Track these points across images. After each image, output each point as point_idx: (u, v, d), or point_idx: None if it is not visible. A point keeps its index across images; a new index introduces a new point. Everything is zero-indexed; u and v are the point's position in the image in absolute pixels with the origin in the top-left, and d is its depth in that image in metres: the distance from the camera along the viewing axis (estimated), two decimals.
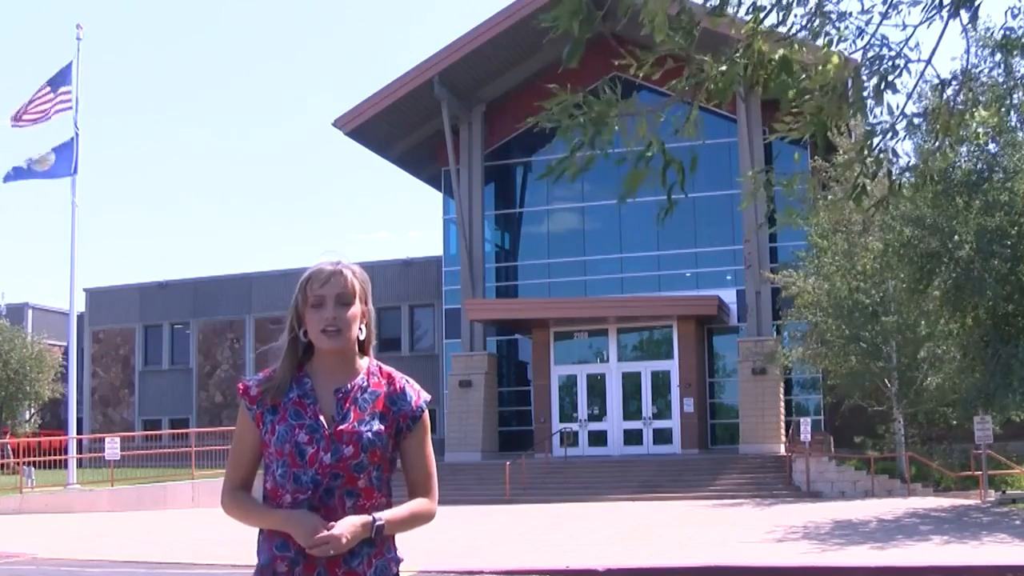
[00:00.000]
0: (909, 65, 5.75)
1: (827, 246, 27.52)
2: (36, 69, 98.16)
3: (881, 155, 6.22)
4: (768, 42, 5.46)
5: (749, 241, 33.40)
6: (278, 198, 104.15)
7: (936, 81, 6.14)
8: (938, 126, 6.33)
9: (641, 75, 5.35)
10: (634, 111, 5.21)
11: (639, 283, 36.23)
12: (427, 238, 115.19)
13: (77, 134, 29.44)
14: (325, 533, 2.84)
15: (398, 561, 3.04)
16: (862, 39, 5.80)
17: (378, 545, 2.97)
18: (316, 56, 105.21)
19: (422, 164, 40.57)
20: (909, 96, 6.13)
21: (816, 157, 27.22)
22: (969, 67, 6.27)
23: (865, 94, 5.73)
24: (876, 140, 6.12)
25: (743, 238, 33.79)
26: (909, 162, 7.22)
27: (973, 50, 7.82)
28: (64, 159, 29.36)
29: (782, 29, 5.59)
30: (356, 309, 3.02)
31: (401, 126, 37.64)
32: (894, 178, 6.50)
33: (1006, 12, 6.61)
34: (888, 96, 5.81)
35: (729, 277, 35.49)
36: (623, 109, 5.17)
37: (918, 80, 6.00)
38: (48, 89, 29.34)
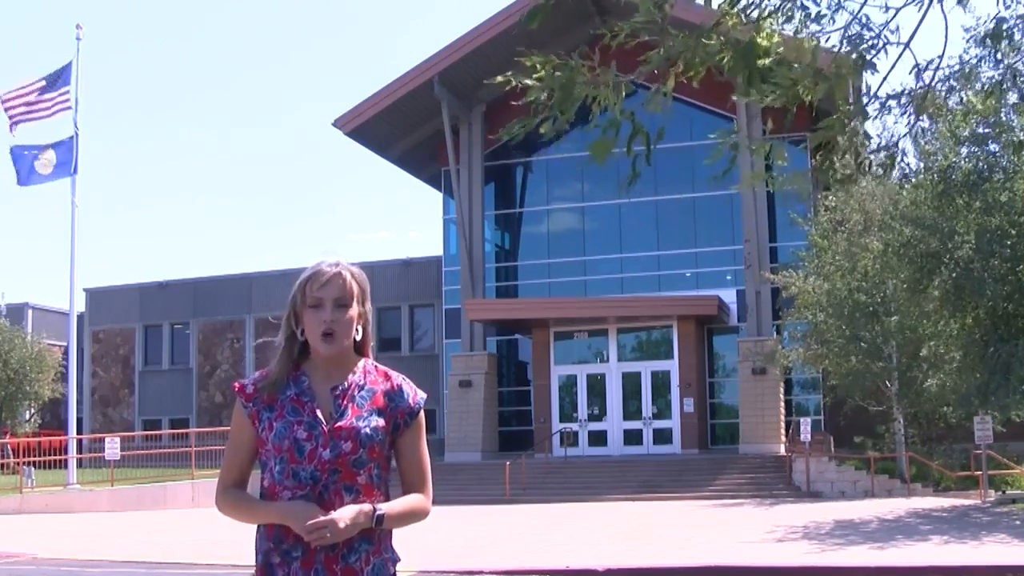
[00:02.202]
0: (888, 47, 5.75)
1: (827, 246, 27.52)
2: (36, 69, 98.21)
3: (855, 138, 6.24)
4: (739, 23, 5.47)
5: (749, 241, 33.41)
6: (278, 198, 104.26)
7: (913, 64, 6.14)
8: (912, 108, 6.33)
9: (615, 45, 5.37)
10: (603, 80, 5.22)
11: (639, 283, 36.22)
12: (427, 238, 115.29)
13: (77, 134, 29.43)
14: (322, 518, 2.84)
15: (395, 561, 3.04)
16: (840, 16, 5.80)
17: (376, 542, 2.97)
18: (316, 56, 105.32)
19: (422, 164, 40.57)
20: (885, 78, 6.13)
21: (817, 157, 27.20)
22: (946, 52, 6.26)
23: (843, 71, 5.73)
24: (849, 121, 6.13)
25: (743, 238, 33.81)
26: (880, 143, 7.23)
27: (966, 44, 7.82)
28: (64, 159, 29.37)
29: (755, 14, 5.59)
30: (354, 311, 3.03)
31: (401, 126, 37.64)
32: (861, 158, 6.53)
33: (998, 1, 6.58)
34: (867, 76, 5.82)
35: (729, 277, 35.49)
36: (598, 78, 5.19)
37: (895, 62, 6.00)
38: (44, 84, 29.28)
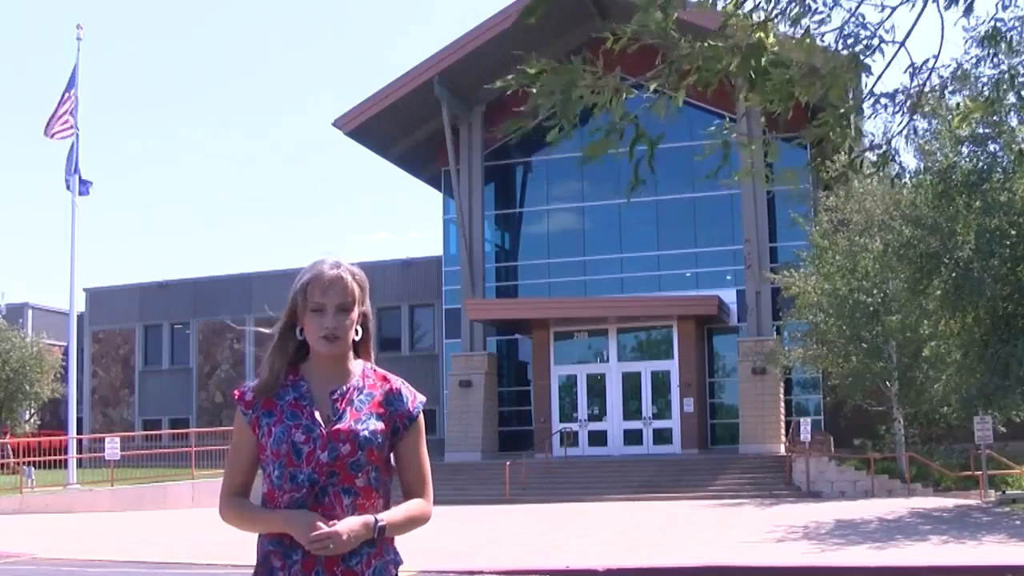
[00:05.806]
0: (883, 46, 5.75)
1: (828, 246, 27.52)
2: (37, 70, 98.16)
3: (846, 130, 6.25)
4: (745, 25, 5.47)
5: (749, 241, 33.40)
6: (278, 198, 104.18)
7: (909, 63, 6.14)
8: (907, 106, 6.33)
9: (617, 49, 5.35)
10: (606, 85, 5.21)
11: (639, 283, 36.23)
12: (427, 238, 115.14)
13: (78, 134, 29.45)
14: (325, 529, 2.83)
15: (398, 564, 3.04)
16: (836, 15, 5.81)
17: (378, 546, 2.96)
18: (316, 56, 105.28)
19: (422, 164, 40.58)
20: (879, 77, 6.13)
21: (817, 159, 27.19)
22: (942, 51, 6.26)
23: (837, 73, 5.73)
24: (842, 115, 6.14)
25: (743, 238, 33.81)
26: (873, 141, 7.25)
27: (965, 45, 7.83)
28: (64, 159, 29.39)
29: (758, 16, 5.59)
30: (355, 314, 3.03)
31: (401, 126, 37.64)
32: (854, 155, 6.54)
33: (996, 3, 6.58)
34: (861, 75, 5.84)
35: (729, 277, 35.50)
36: (599, 83, 5.18)
37: (890, 61, 6.00)
38: (68, 94, 29.46)
